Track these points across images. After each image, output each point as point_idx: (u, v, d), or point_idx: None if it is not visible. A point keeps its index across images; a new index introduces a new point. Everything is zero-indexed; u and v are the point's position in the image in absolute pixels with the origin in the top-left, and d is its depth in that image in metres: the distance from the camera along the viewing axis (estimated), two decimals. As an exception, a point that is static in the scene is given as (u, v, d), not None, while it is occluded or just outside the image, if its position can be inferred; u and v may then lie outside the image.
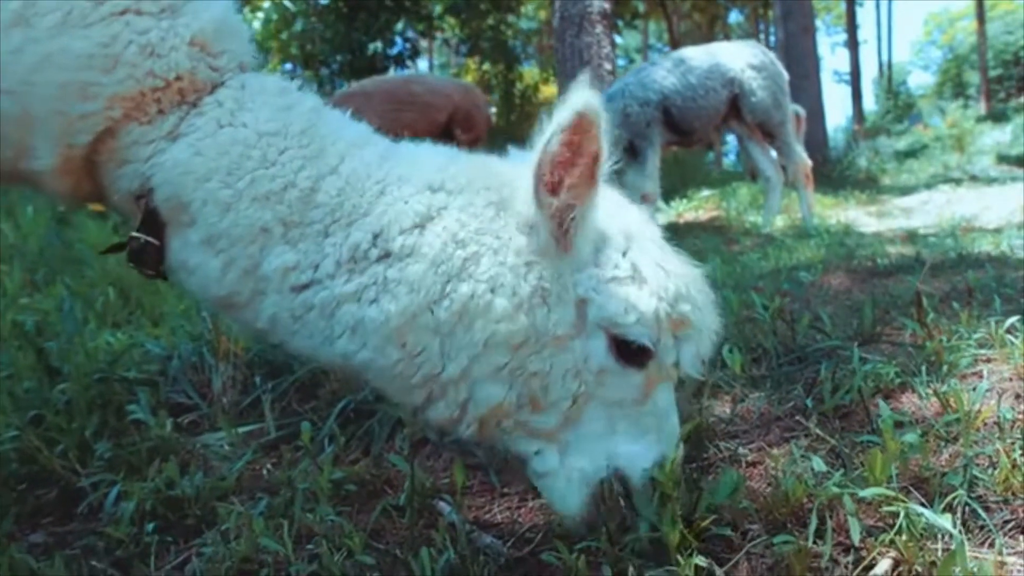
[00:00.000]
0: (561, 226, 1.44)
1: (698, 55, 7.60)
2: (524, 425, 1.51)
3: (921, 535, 1.34)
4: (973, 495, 1.48)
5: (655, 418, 1.54)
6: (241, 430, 2.66)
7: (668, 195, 10.86)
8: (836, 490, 1.44)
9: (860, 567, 1.33)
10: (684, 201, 10.72)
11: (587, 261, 1.48)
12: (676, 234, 7.60)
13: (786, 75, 7.66)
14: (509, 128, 20.98)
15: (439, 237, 1.46)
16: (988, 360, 2.29)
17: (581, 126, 1.35)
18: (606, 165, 1.41)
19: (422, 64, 28.07)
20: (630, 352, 1.47)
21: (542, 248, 1.45)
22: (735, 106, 7.41)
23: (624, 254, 1.49)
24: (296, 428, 2.60)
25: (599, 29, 9.44)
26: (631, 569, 1.36)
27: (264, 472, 2.42)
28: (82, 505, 2.20)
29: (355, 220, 1.50)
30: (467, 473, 2.23)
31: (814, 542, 1.37)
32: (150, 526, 1.94)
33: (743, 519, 1.54)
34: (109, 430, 2.66)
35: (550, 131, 1.37)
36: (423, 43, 26.83)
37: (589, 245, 1.48)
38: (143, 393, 2.83)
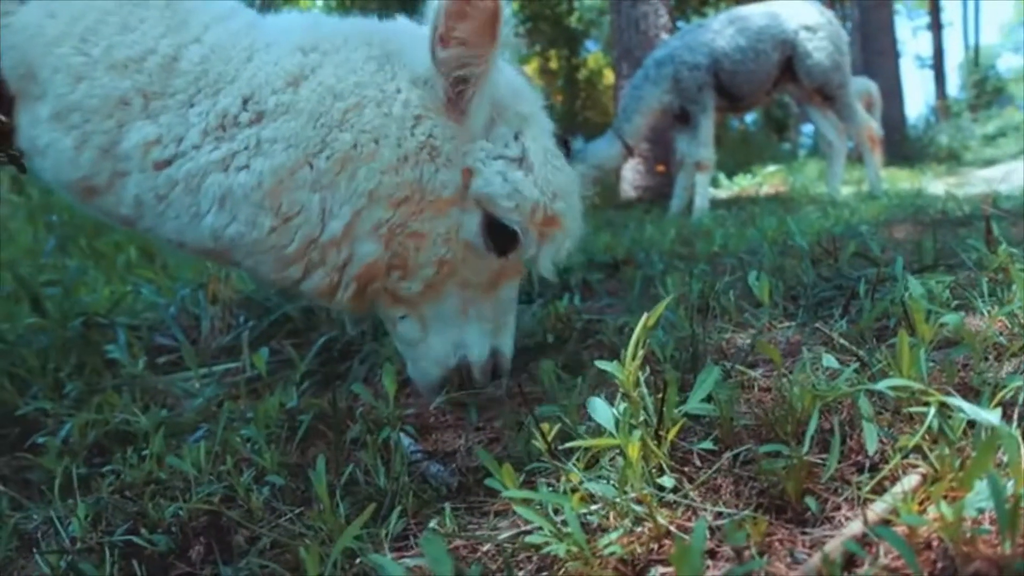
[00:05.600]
0: (455, 86, 1.42)
1: (750, 14, 6.94)
2: (392, 292, 1.53)
3: (960, 443, 0.99)
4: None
5: (496, 311, 1.60)
6: (218, 368, 2.50)
7: (732, 171, 10.35)
8: (846, 388, 1.09)
9: (874, 484, 0.99)
10: (748, 176, 10.19)
11: (479, 133, 1.47)
12: (735, 205, 7.21)
13: (845, 35, 7.03)
14: (574, 115, 20.42)
15: (315, 92, 1.41)
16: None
17: None
18: (505, 29, 1.38)
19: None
20: (499, 236, 1.49)
21: (436, 105, 1.43)
22: (790, 68, 6.81)
23: (516, 136, 1.49)
24: (275, 366, 2.41)
25: (655, -2, 9.01)
26: (564, 481, 1.06)
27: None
28: (31, 440, 2.04)
29: (221, 88, 1.43)
30: (443, 408, 1.99)
31: (811, 451, 1.03)
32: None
33: (734, 440, 1.21)
34: (88, 370, 2.55)
35: None
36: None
37: (483, 116, 1.47)
38: (123, 334, 2.69)
